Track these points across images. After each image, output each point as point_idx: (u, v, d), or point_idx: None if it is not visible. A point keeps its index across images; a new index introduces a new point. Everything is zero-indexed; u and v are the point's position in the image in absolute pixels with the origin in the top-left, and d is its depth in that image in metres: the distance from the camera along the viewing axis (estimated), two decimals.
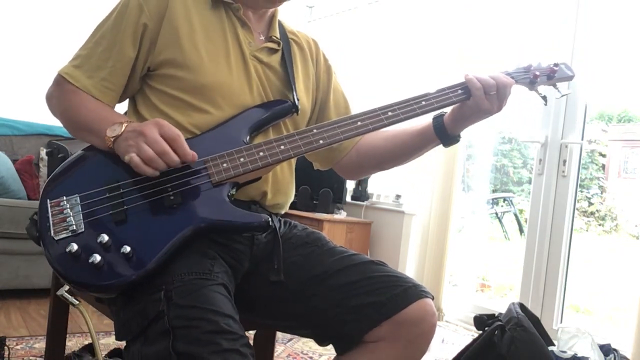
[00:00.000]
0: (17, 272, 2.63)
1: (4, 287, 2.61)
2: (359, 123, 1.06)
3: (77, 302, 1.08)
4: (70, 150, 3.11)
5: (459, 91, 1.11)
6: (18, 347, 1.99)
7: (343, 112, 1.27)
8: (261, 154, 0.99)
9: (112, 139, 0.94)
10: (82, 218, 0.91)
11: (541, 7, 2.99)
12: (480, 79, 1.08)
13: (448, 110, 1.14)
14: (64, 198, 0.93)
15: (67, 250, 0.86)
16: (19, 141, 3.22)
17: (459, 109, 1.12)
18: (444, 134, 1.14)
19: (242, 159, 0.98)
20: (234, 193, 1.00)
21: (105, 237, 0.87)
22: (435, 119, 1.15)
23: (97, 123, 0.99)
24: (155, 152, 0.90)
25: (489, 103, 1.08)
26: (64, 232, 0.89)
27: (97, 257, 0.86)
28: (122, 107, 1.15)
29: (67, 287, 1.06)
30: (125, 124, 0.95)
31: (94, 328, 1.07)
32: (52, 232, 0.89)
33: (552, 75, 1.20)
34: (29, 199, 2.96)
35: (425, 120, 1.16)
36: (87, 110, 1.02)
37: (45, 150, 3.22)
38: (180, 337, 0.79)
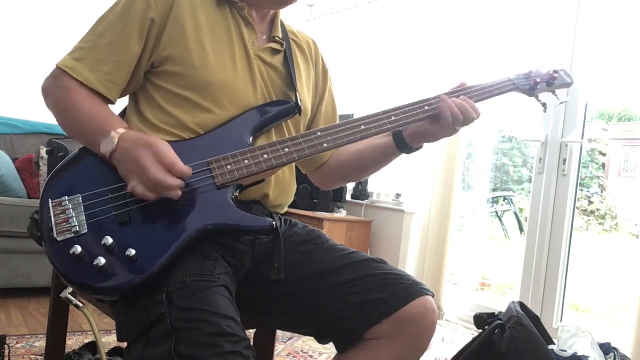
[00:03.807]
0: (18, 271, 2.63)
1: (4, 286, 2.61)
2: (363, 127, 1.05)
3: (82, 305, 1.06)
4: (70, 149, 3.10)
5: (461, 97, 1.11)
6: (18, 345, 1.99)
7: (330, 122, 1.26)
8: (265, 156, 0.98)
9: (107, 155, 0.92)
10: (85, 219, 0.89)
11: (541, 7, 2.99)
12: (452, 112, 1.08)
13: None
14: (66, 198, 0.91)
15: (71, 252, 0.85)
16: (19, 140, 3.22)
17: (418, 130, 1.12)
18: (407, 147, 1.14)
19: (246, 162, 0.97)
20: (237, 195, 0.98)
21: (109, 240, 0.86)
22: (395, 135, 1.14)
23: (91, 132, 0.96)
24: (159, 184, 0.88)
25: (452, 131, 1.10)
26: (67, 233, 0.88)
27: (102, 260, 0.84)
28: (121, 104, 1.14)
29: (70, 289, 1.04)
30: (118, 137, 0.92)
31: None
32: (54, 232, 0.88)
33: (552, 82, 1.21)
34: (30, 197, 2.96)
35: (384, 138, 1.16)
36: (82, 116, 0.98)
37: (45, 149, 3.23)
38: (182, 339, 0.78)
